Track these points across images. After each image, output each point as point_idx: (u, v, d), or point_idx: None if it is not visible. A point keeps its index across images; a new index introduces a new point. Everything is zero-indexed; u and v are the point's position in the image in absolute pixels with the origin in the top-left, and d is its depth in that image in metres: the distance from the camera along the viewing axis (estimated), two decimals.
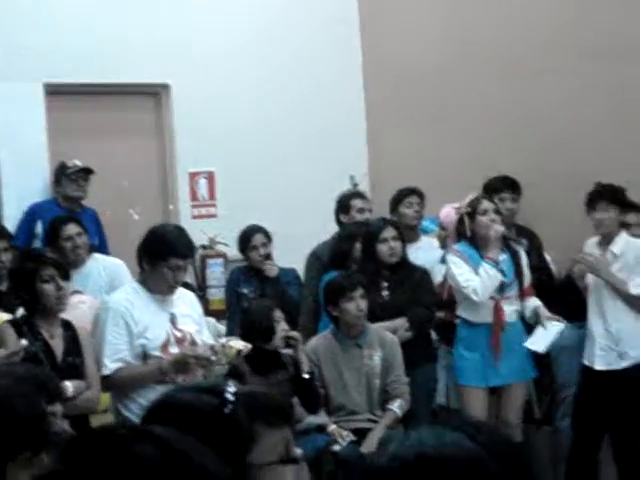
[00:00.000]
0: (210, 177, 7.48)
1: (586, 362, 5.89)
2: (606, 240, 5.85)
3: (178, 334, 4.82)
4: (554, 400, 6.36)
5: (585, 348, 5.90)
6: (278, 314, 5.64)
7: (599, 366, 5.81)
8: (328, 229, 6.74)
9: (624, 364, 5.76)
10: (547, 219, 6.68)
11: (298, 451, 1.91)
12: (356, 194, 6.96)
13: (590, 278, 5.86)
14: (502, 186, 6.55)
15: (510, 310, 5.87)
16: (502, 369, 5.83)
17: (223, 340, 5.57)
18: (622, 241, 5.84)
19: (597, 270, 5.79)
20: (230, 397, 1.84)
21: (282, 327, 5.63)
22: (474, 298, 5.76)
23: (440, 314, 6.14)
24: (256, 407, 1.86)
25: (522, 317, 5.97)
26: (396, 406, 5.63)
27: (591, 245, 5.93)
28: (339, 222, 6.72)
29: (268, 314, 5.57)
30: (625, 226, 6.04)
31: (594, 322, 5.86)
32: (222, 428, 1.80)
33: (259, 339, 5.49)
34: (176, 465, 1.38)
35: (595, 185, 5.92)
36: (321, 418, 5.62)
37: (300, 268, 6.72)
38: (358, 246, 6.22)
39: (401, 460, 1.36)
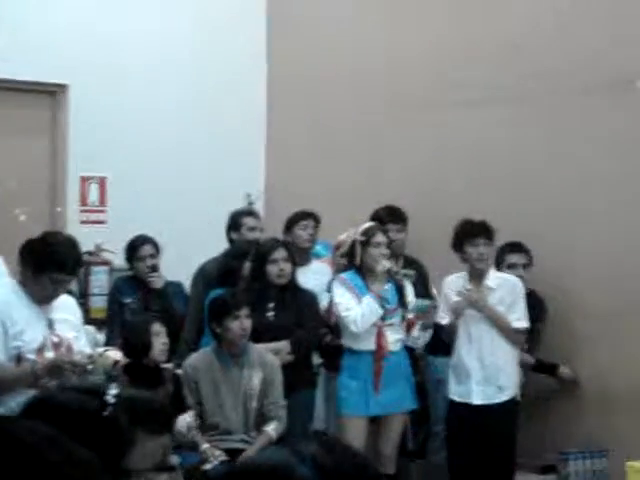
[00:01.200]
0: (102, 182, 7.34)
1: (456, 398, 5.92)
2: (477, 275, 5.91)
3: (55, 339, 4.66)
4: (429, 433, 6.40)
5: (453, 384, 5.94)
6: (157, 327, 5.56)
7: (477, 401, 5.85)
8: (218, 246, 6.67)
9: (503, 398, 5.83)
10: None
11: (175, 459, 1.86)
12: (248, 212, 6.91)
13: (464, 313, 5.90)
14: (387, 217, 6.55)
15: (394, 339, 5.90)
16: (384, 398, 5.84)
17: (100, 350, 5.46)
18: (494, 275, 5.93)
19: (479, 305, 5.85)
20: (110, 399, 1.78)
21: (162, 341, 5.55)
22: (353, 329, 5.80)
23: (326, 339, 6.13)
24: (137, 412, 1.80)
25: (407, 347, 6.01)
26: (271, 428, 5.58)
27: (455, 281, 5.96)
28: (230, 239, 6.66)
29: (146, 328, 5.52)
30: (511, 266, 6.16)
31: (468, 357, 5.90)
32: (100, 430, 1.75)
33: (136, 353, 5.42)
34: (22, 458, 1.31)
35: (465, 221, 5.99)
36: (195, 436, 5.52)
37: (187, 282, 6.63)
38: (247, 265, 6.17)
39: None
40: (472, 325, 5.91)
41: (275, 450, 1.41)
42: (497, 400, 5.84)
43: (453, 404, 5.94)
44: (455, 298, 5.90)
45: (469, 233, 5.92)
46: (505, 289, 5.89)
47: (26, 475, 1.31)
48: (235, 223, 6.70)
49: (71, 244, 4.76)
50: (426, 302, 6.05)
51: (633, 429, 5.95)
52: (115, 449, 1.74)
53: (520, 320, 5.86)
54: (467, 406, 5.87)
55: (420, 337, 6.01)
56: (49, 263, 4.55)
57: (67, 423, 1.73)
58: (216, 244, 6.69)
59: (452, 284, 5.98)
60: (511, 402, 5.86)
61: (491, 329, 5.88)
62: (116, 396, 1.80)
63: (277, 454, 1.37)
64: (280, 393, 5.67)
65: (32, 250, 4.65)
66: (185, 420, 5.42)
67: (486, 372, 5.87)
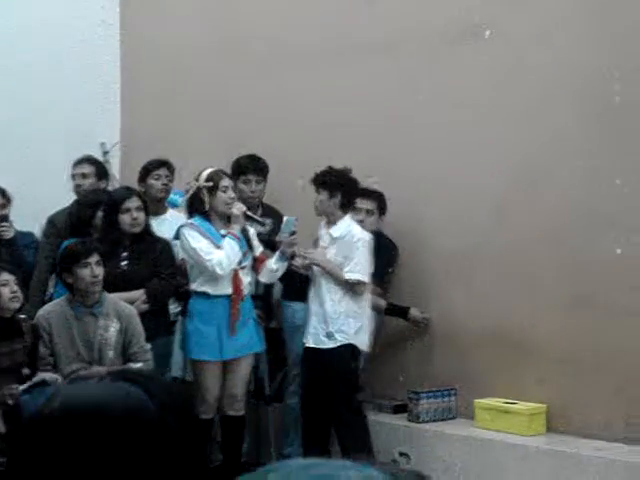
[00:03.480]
0: None
1: (303, 340, 6.06)
2: (330, 223, 6.03)
3: None
4: (286, 377, 6.48)
5: (305, 327, 6.08)
6: (5, 276, 5.47)
7: (309, 343, 6.02)
8: (70, 195, 6.60)
9: (330, 345, 5.96)
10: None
11: None
12: (82, 160, 6.77)
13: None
14: (249, 166, 6.55)
15: (246, 282, 5.95)
16: (235, 342, 5.89)
17: None
18: (344, 225, 6.03)
19: (316, 261, 6.00)
20: None
21: (11, 289, 5.47)
22: (218, 272, 5.80)
23: (183, 286, 6.14)
24: None
25: (261, 294, 6.08)
26: (136, 367, 5.54)
27: (292, 219, 6.08)
28: (74, 191, 6.60)
29: None
30: (358, 211, 6.22)
31: (311, 302, 6.06)
32: None
33: None
34: None
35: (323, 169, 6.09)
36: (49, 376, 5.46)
37: (38, 233, 6.54)
38: (99, 214, 6.12)
39: (75, 408, 1.35)
40: (316, 275, 6.05)
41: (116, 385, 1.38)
42: (323, 346, 5.97)
43: (303, 346, 6.09)
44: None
45: (313, 180, 6.02)
46: (346, 240, 6.00)
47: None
48: (73, 175, 6.64)
49: None
50: (292, 218, 6.05)
51: (481, 368, 6.12)
52: None
53: (352, 272, 5.97)
54: (306, 347, 6.02)
55: (279, 269, 6.02)
56: None
57: None
58: (68, 194, 6.61)
59: (321, 229, 6.10)
60: (342, 348, 5.97)
61: (329, 279, 6.01)
62: None
63: (118, 388, 1.37)
64: (143, 338, 5.68)
65: None
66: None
67: (320, 318, 6.00)
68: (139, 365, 5.58)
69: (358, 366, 6.09)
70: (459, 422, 6.15)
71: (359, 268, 5.97)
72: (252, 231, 6.09)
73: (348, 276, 5.97)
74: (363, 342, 6.06)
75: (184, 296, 6.16)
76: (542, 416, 5.88)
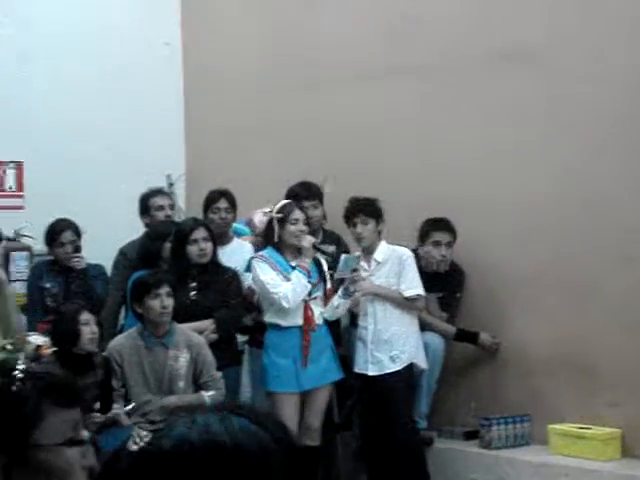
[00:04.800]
0: (18, 167, 7.26)
1: (356, 369, 6.05)
2: (368, 250, 6.06)
3: None
4: (354, 405, 6.46)
5: (356, 356, 6.07)
6: (86, 316, 5.54)
7: (371, 372, 6.00)
8: (139, 228, 6.67)
9: (395, 367, 5.96)
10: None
11: (85, 433, 1.85)
12: (156, 192, 6.85)
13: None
14: (303, 193, 6.54)
15: (317, 312, 5.96)
16: (312, 372, 5.90)
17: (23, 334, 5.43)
18: (384, 248, 6.04)
19: (370, 290, 5.99)
20: (18, 374, 1.78)
21: (91, 329, 5.53)
22: (284, 305, 5.83)
23: (246, 320, 6.16)
24: (45, 386, 1.81)
25: (327, 320, 6.07)
26: (208, 394, 5.57)
27: (352, 257, 6.06)
28: (145, 223, 6.66)
29: (73, 316, 5.49)
30: (435, 244, 6.25)
31: (364, 330, 6.05)
32: (8, 405, 1.74)
33: (65, 342, 5.39)
34: None
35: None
36: (123, 417, 5.51)
37: (108, 265, 6.61)
38: (167, 245, 6.17)
39: (189, 444, 1.30)
40: (365, 303, 6.06)
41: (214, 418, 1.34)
42: (389, 370, 5.96)
43: (357, 375, 6.07)
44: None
45: (350, 212, 6.05)
46: (393, 261, 6.02)
47: None
48: (144, 206, 6.70)
49: None
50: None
51: (553, 393, 6.07)
52: (24, 424, 1.74)
53: (410, 289, 5.99)
54: (365, 377, 6.00)
55: (339, 306, 6.02)
56: None
57: None
58: (137, 227, 6.68)
59: (349, 260, 6.07)
60: (405, 369, 5.99)
61: (383, 303, 6.02)
62: (24, 371, 1.80)
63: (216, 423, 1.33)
64: (213, 367, 5.69)
65: None
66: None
67: (376, 345, 5.99)
68: (211, 393, 5.60)
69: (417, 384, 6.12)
70: (532, 448, 6.09)
71: (415, 283, 6.01)
72: (325, 264, 6.10)
73: (408, 293, 6.00)
74: (423, 359, 6.07)
75: (250, 329, 6.19)
76: (617, 441, 5.81)
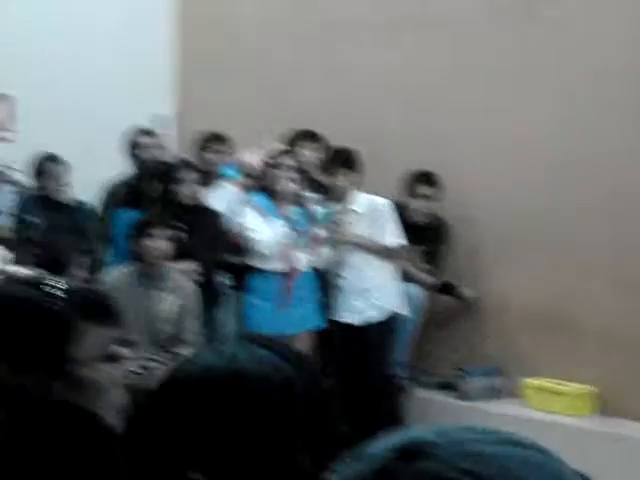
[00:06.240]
0: (9, 101, 7.22)
1: (336, 318, 6.11)
2: (345, 201, 6.08)
3: None
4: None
5: (336, 305, 6.12)
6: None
7: (355, 321, 6.07)
8: (126, 166, 6.67)
9: (379, 317, 6.04)
10: None
11: (124, 351, 1.89)
12: (142, 131, 6.77)
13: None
14: (303, 136, 6.58)
15: (303, 259, 5.99)
16: (293, 317, 5.95)
17: (12, 268, 5.46)
18: (362, 199, 6.09)
19: (352, 240, 6.05)
20: (56, 292, 1.81)
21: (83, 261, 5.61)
22: (264, 251, 5.88)
23: (234, 260, 6.19)
24: (83, 303, 1.84)
25: (315, 269, 6.12)
26: (185, 352, 5.61)
27: (331, 211, 6.09)
28: (132, 162, 6.64)
29: (70, 248, 5.55)
30: (420, 197, 6.28)
31: (345, 281, 6.09)
32: (46, 320, 1.79)
33: (56, 271, 5.44)
34: None
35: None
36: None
37: (95, 202, 6.62)
38: (156, 185, 6.18)
39: (215, 372, 1.33)
40: (345, 253, 6.10)
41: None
42: (372, 320, 6.03)
43: (337, 323, 6.14)
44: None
45: (331, 162, 6.11)
46: (372, 211, 6.06)
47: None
48: (131, 145, 6.65)
49: None
50: (332, 209, 6.10)
51: (532, 348, 6.15)
52: (61, 339, 1.78)
53: (389, 238, 6.05)
54: (347, 327, 6.07)
55: (327, 254, 6.08)
56: None
57: (11, 316, 1.79)
58: (124, 164, 6.68)
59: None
60: (389, 317, 6.06)
61: (365, 253, 6.07)
62: (62, 288, 1.83)
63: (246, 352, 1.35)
64: (195, 320, 5.73)
65: None
66: None
67: (358, 294, 6.05)
68: (188, 349, 5.62)
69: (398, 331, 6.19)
70: (508, 401, 6.18)
71: (396, 233, 6.06)
72: (316, 209, 6.12)
73: (388, 243, 6.03)
74: (404, 307, 6.14)
75: (236, 270, 6.23)
76: (591, 397, 5.90)
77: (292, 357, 1.38)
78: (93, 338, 1.83)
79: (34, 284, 1.87)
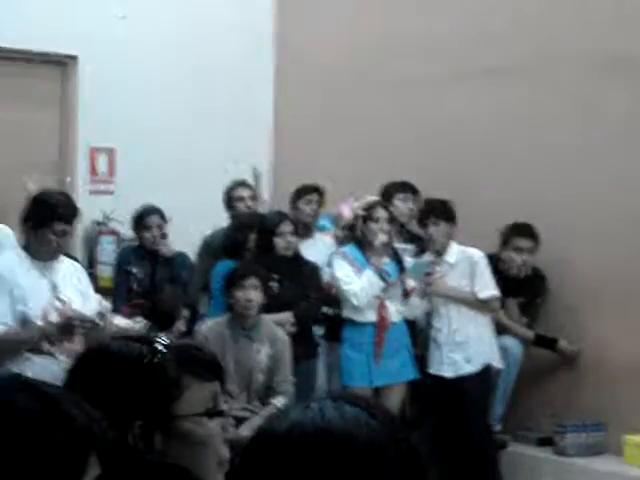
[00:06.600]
0: (110, 153, 7.41)
1: (432, 370, 6.09)
2: (439, 252, 6.11)
3: (58, 303, 4.76)
4: (426, 403, 6.47)
5: (430, 357, 6.10)
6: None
7: (447, 374, 6.03)
8: (224, 218, 6.77)
9: (471, 369, 5.97)
10: None
11: (226, 406, 1.92)
12: (238, 183, 6.92)
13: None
14: (398, 187, 6.61)
15: (394, 310, 6.00)
16: (385, 369, 5.94)
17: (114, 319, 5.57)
18: (455, 250, 6.07)
19: (442, 292, 6.04)
20: (160, 347, 1.86)
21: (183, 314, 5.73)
22: (354, 302, 5.91)
23: (327, 311, 6.22)
24: (186, 359, 1.88)
25: (406, 320, 6.11)
26: (279, 402, 5.64)
27: (424, 262, 6.14)
28: (229, 214, 6.75)
29: (178, 301, 5.74)
30: (517, 250, 6.24)
31: (438, 333, 6.09)
32: (150, 377, 1.83)
33: (162, 324, 5.57)
34: (55, 421, 1.37)
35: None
36: None
37: (192, 254, 6.72)
38: (253, 237, 6.25)
39: (302, 429, 1.32)
40: (442, 302, 6.10)
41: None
42: (464, 372, 5.97)
43: (431, 376, 6.11)
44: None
45: (423, 213, 6.09)
46: (465, 263, 6.05)
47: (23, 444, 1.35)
48: (228, 197, 6.79)
49: (65, 196, 4.98)
50: (424, 260, 6.12)
51: (630, 403, 6.01)
52: (165, 395, 1.81)
53: (484, 290, 6.01)
54: (440, 378, 6.03)
55: (418, 306, 6.08)
56: (46, 215, 4.74)
57: (119, 371, 1.84)
58: (221, 216, 6.78)
59: (423, 262, 6.17)
60: (482, 370, 6.01)
61: (457, 305, 6.07)
62: (166, 344, 1.88)
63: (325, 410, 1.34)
64: (289, 369, 5.74)
65: (28, 209, 4.82)
66: None
67: (450, 346, 6.01)
68: (281, 400, 5.63)
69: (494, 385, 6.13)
70: (607, 458, 6.05)
71: (489, 285, 6.02)
72: (408, 260, 6.13)
73: (482, 295, 6.01)
74: (498, 359, 6.09)
75: (328, 320, 6.25)
76: None
77: (381, 417, 1.37)
78: (196, 393, 1.86)
79: (139, 339, 1.91)
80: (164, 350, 1.86)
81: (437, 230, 6.08)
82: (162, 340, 1.88)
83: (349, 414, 1.34)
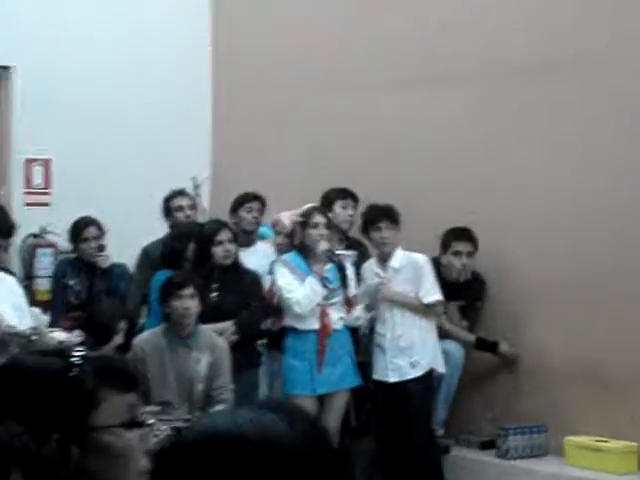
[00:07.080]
0: (46, 165, 7.32)
1: (376, 376, 6.09)
2: (383, 258, 6.11)
3: None
4: (371, 411, 6.48)
5: (375, 363, 6.11)
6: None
7: (391, 378, 6.03)
8: (163, 228, 6.72)
9: (416, 374, 5.99)
10: None
11: (147, 417, 1.90)
12: (176, 192, 6.90)
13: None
14: (337, 194, 6.63)
15: (336, 317, 5.99)
16: (328, 377, 5.93)
17: (45, 330, 5.49)
18: (400, 255, 6.09)
19: (389, 297, 6.05)
20: (77, 360, 1.84)
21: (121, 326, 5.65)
22: (296, 310, 5.89)
23: (268, 320, 6.19)
24: (103, 371, 1.87)
25: (348, 326, 6.11)
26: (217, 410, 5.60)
27: (368, 267, 6.18)
28: (168, 224, 6.72)
29: (114, 313, 5.64)
30: (456, 254, 6.28)
31: (382, 338, 6.09)
32: (66, 390, 1.82)
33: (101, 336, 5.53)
34: None
35: (369, 206, 6.23)
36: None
37: (131, 264, 6.66)
38: (191, 246, 6.21)
39: (212, 434, 1.33)
40: (386, 307, 6.11)
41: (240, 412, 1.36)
42: (409, 377, 5.99)
43: (376, 381, 6.11)
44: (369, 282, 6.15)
45: (372, 218, 6.09)
46: (410, 268, 6.07)
47: None
48: (166, 207, 6.79)
49: (0, 210, 4.91)
50: (372, 282, 6.14)
51: (570, 405, 6.06)
52: (81, 408, 1.80)
53: (429, 295, 6.04)
54: (384, 383, 6.04)
55: (361, 317, 6.11)
56: None
57: (34, 385, 1.82)
58: (161, 227, 6.73)
59: (366, 271, 6.19)
60: (425, 374, 6.03)
61: (402, 309, 6.07)
62: (81, 357, 1.86)
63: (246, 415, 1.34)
64: (228, 377, 5.70)
65: None
66: None
67: (394, 351, 6.02)
68: (220, 408, 5.60)
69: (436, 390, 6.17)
70: (549, 459, 6.08)
71: (433, 289, 6.05)
72: (350, 268, 6.13)
73: (427, 300, 6.03)
74: (441, 364, 6.10)
75: (269, 331, 6.23)
76: (634, 455, 5.79)
77: (299, 421, 1.36)
78: (113, 405, 1.84)
79: (55, 353, 1.90)
80: (81, 362, 1.84)
81: (390, 233, 6.06)
82: (79, 353, 1.87)
83: (262, 420, 1.33)
